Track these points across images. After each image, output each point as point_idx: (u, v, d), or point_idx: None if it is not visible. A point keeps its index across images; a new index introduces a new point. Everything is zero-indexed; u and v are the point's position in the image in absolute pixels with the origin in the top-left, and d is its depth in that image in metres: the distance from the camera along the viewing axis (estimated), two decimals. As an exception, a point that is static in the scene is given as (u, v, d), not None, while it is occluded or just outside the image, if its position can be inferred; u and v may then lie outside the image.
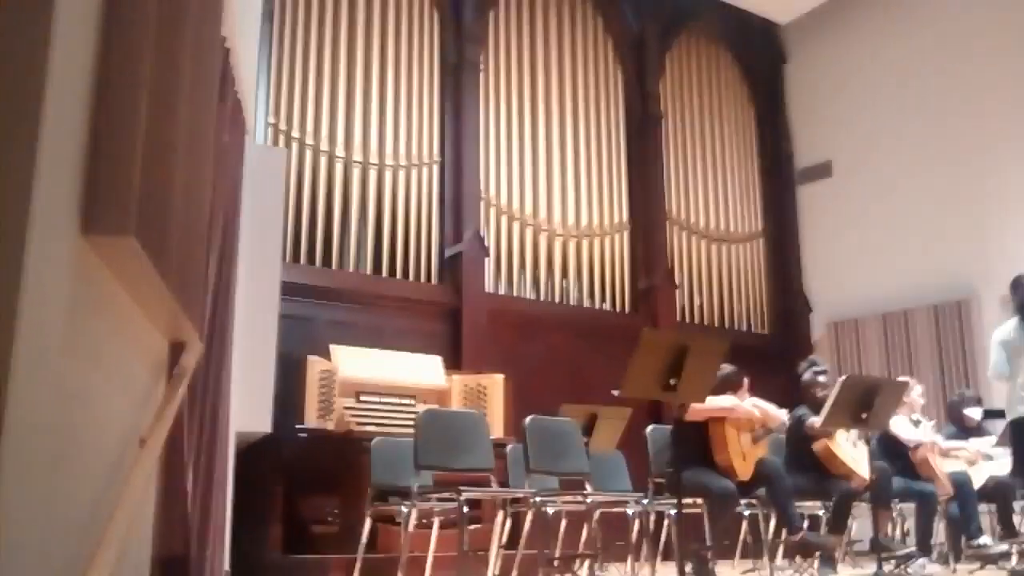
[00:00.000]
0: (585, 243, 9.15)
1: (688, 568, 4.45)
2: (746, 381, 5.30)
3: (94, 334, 2.26)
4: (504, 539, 5.12)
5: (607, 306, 9.16)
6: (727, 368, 5.11)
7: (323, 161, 7.61)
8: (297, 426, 6.22)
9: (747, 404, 5.21)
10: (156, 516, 3.38)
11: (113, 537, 2.33)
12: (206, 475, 4.52)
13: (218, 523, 4.68)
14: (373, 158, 7.86)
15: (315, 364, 6.54)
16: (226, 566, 5.01)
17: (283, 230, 6.52)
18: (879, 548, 5.11)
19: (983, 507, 6.03)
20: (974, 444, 6.25)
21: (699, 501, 4.95)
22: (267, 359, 5.77)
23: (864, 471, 5.22)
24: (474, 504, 5.10)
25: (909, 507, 5.96)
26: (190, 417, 3.83)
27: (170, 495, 3.51)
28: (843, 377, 5.21)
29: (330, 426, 6.45)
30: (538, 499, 4.95)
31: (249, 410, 5.45)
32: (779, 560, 5.59)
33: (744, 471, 4.94)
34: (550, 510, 5.02)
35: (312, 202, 7.49)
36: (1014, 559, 5.59)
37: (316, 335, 6.97)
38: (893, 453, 5.87)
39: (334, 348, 6.84)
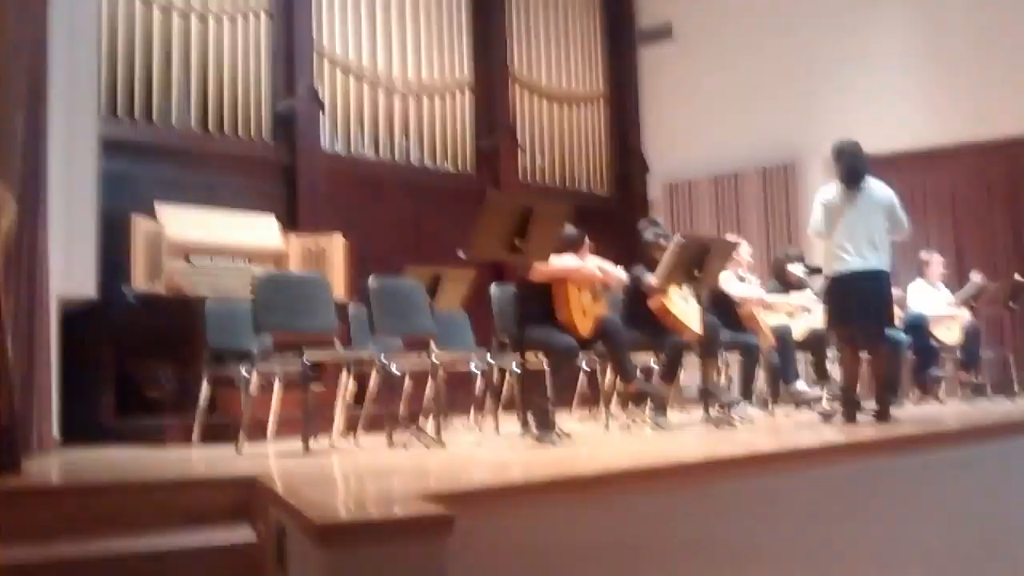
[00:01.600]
0: (426, 100, 8.91)
1: (529, 418, 4.60)
2: (588, 241, 5.40)
3: None
4: (349, 400, 5.12)
5: (449, 166, 9.05)
6: (570, 229, 5.18)
7: (138, 8, 6.96)
8: (124, 289, 5.92)
9: (590, 264, 5.32)
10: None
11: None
12: (28, 340, 4.27)
13: (43, 389, 4.46)
14: (196, 4, 7.27)
15: (140, 224, 6.18)
16: (55, 432, 4.80)
17: (97, 81, 6.01)
18: (707, 395, 5.45)
19: (800, 356, 6.51)
20: (795, 298, 6.67)
21: (540, 356, 5.08)
22: (87, 219, 5.42)
23: (695, 325, 5.49)
24: (316, 370, 5.04)
25: (734, 356, 6.35)
26: (6, 279, 3.56)
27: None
28: (678, 237, 5.39)
29: (159, 289, 6.16)
30: (383, 358, 4.94)
31: (72, 273, 5.13)
32: (614, 408, 5.86)
33: (585, 327, 5.08)
34: (395, 370, 5.03)
35: (129, 53, 6.88)
36: (824, 402, 6.09)
37: (141, 194, 6.54)
38: (721, 307, 6.19)
39: (160, 207, 6.47)
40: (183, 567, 2.88)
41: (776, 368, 6.42)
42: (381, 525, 2.04)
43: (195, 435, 5.06)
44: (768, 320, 6.41)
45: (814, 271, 6.37)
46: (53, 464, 4.06)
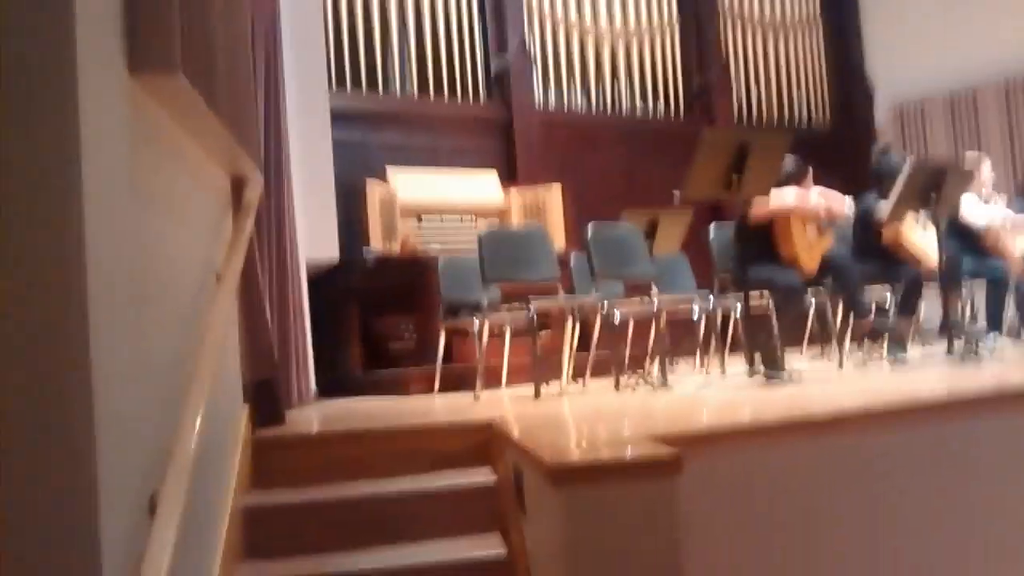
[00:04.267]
0: (635, 45, 8.81)
1: (756, 358, 4.51)
2: (810, 171, 5.18)
3: (158, 175, 2.28)
4: (575, 344, 5.25)
5: (661, 109, 8.92)
6: (790, 160, 4.98)
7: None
8: (364, 250, 6.34)
9: (812, 195, 5.10)
10: (242, 346, 3.53)
11: (204, 368, 2.44)
12: (281, 303, 4.68)
13: (300, 347, 4.88)
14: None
15: (374, 188, 6.59)
16: (313, 385, 5.26)
17: (326, 56, 6.41)
18: (950, 328, 5.12)
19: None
20: (1047, 218, 6.09)
21: (765, 296, 4.97)
22: (326, 186, 5.82)
23: (933, 255, 5.16)
24: (542, 317, 5.20)
25: (980, 286, 5.91)
26: (260, 250, 3.92)
27: (252, 325, 3.64)
28: (910, 162, 5.06)
29: (395, 248, 6.56)
30: (605, 304, 5.02)
31: (316, 239, 5.55)
32: (848, 346, 5.63)
33: (810, 263, 4.90)
34: (617, 315, 5.10)
35: (351, 24, 7.28)
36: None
37: (371, 160, 6.97)
38: (963, 233, 5.77)
39: (391, 170, 6.87)
40: (431, 507, 3.11)
41: (1027, 295, 5.92)
42: (612, 466, 2.12)
43: (435, 384, 5.39)
44: (1016, 243, 5.90)
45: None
46: (312, 415, 4.47)
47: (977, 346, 4.98)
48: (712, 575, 2.62)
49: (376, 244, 6.46)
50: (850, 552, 2.91)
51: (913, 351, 5.44)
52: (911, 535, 3.04)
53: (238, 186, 3.52)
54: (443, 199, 6.98)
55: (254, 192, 3.63)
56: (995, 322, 5.77)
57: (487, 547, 2.92)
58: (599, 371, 5.43)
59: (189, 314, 2.61)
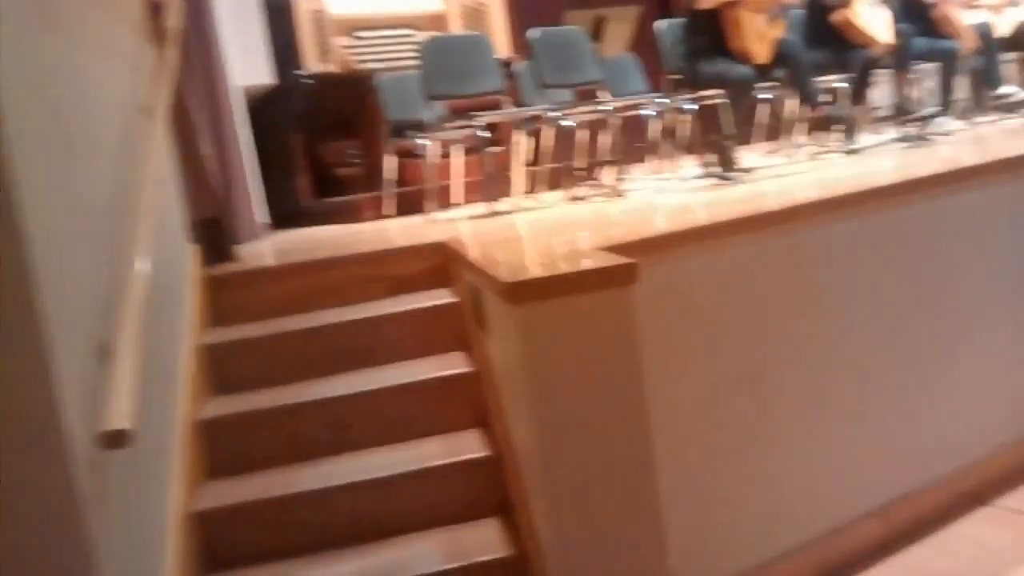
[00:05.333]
0: None
1: (709, 158, 4.48)
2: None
3: (64, 5, 2.09)
4: (526, 159, 5.16)
5: None
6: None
7: None
8: (299, 72, 6.07)
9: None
10: (182, 183, 3.40)
11: (143, 208, 2.34)
12: (219, 136, 4.50)
13: (243, 179, 4.74)
14: None
15: (302, 5, 6.24)
16: (263, 219, 5.16)
17: None
18: (901, 112, 5.09)
19: (1009, 56, 5.89)
20: (1000, -11, 5.96)
21: (718, 95, 4.87)
22: (250, 5, 5.50)
23: (885, 36, 5.05)
24: (491, 130, 5.07)
25: (931, 67, 5.84)
26: (188, 80, 3.72)
27: (189, 160, 3.50)
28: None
29: (332, 68, 6.29)
30: (554, 113, 4.89)
31: (248, 64, 5.29)
32: (800, 138, 5.60)
33: (761, 54, 4.76)
34: (567, 123, 4.98)
35: None
36: (1035, 105, 5.58)
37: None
38: (914, 13, 5.62)
39: (319, -15, 6.48)
40: (394, 331, 3.11)
41: (978, 73, 5.86)
42: (566, 280, 2.10)
43: (387, 209, 5.31)
44: (968, 19, 5.78)
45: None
46: (265, 249, 4.39)
47: (928, 128, 4.98)
48: (670, 380, 2.68)
49: (312, 65, 6.18)
50: (810, 340, 2.98)
51: (866, 138, 5.42)
52: (865, 320, 3.12)
53: (157, 13, 3.29)
54: (376, 10, 6.64)
55: (174, 18, 3.40)
56: (946, 103, 5.73)
57: (453, 365, 2.95)
58: (552, 184, 5.37)
59: (121, 153, 2.47)
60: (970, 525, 3.17)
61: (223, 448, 2.79)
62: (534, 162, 5.38)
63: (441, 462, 2.66)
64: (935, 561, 2.95)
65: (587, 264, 2.16)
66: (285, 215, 5.73)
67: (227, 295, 3.32)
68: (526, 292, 2.07)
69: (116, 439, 1.67)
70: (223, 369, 3.04)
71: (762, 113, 6.32)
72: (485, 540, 2.51)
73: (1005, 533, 3.07)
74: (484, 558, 2.42)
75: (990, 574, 2.82)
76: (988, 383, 3.48)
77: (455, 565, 2.40)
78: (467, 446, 2.75)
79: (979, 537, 3.06)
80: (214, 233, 3.58)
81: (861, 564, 3.00)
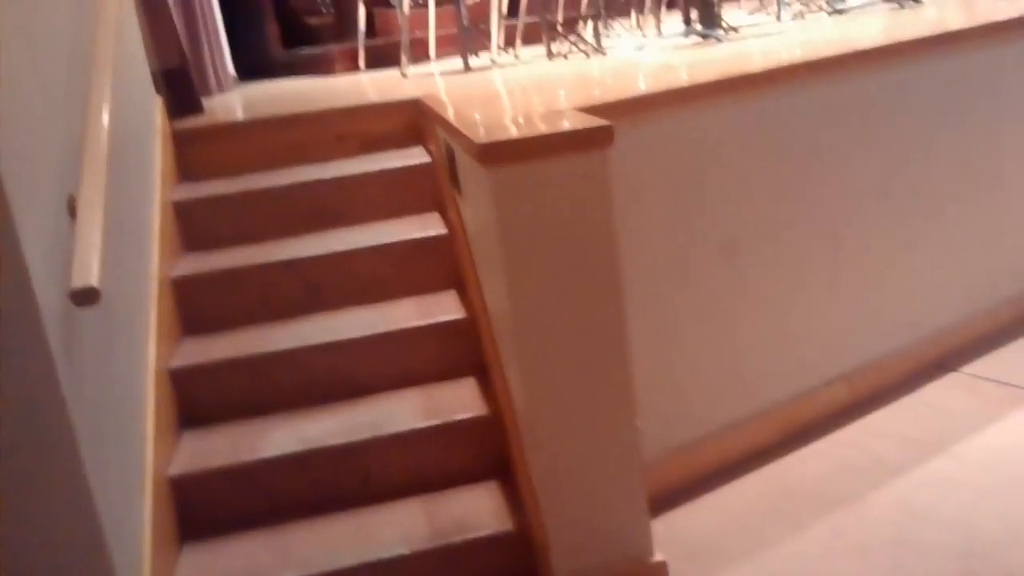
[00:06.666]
0: None
1: (693, 15, 4.35)
2: None
3: None
4: (504, 10, 4.99)
5: None
6: None
7: None
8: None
9: None
10: (144, 32, 3.26)
11: (103, 56, 2.25)
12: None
13: (209, 28, 4.55)
14: None
15: None
16: (231, 70, 4.99)
17: None
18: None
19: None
20: None
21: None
22: None
23: None
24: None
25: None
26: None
27: (149, 8, 3.35)
28: None
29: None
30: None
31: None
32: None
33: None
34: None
35: None
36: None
37: None
38: None
39: None
40: (367, 190, 3.06)
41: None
42: (541, 142, 2.05)
43: (360, 60, 5.13)
44: None
45: None
46: (234, 101, 4.26)
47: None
48: (645, 245, 2.68)
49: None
50: (787, 208, 2.97)
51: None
52: (844, 187, 3.11)
53: None
54: None
55: None
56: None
57: (428, 227, 2.93)
58: (531, 39, 5.20)
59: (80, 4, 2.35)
60: (935, 391, 3.26)
61: (197, 305, 2.78)
62: (513, 16, 5.20)
63: (417, 323, 2.67)
64: (899, 424, 3.05)
65: (564, 126, 2.12)
66: (251, 66, 5.53)
67: (195, 149, 3.24)
68: (499, 154, 2.03)
69: (85, 296, 1.65)
70: (193, 226, 3.00)
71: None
72: (460, 399, 2.56)
73: (969, 398, 3.16)
74: (459, 417, 2.47)
75: (954, 437, 2.92)
76: (960, 253, 3.52)
77: (431, 423, 2.45)
78: (442, 308, 2.76)
79: (943, 402, 3.16)
80: (179, 83, 3.46)
81: (826, 426, 3.10)
